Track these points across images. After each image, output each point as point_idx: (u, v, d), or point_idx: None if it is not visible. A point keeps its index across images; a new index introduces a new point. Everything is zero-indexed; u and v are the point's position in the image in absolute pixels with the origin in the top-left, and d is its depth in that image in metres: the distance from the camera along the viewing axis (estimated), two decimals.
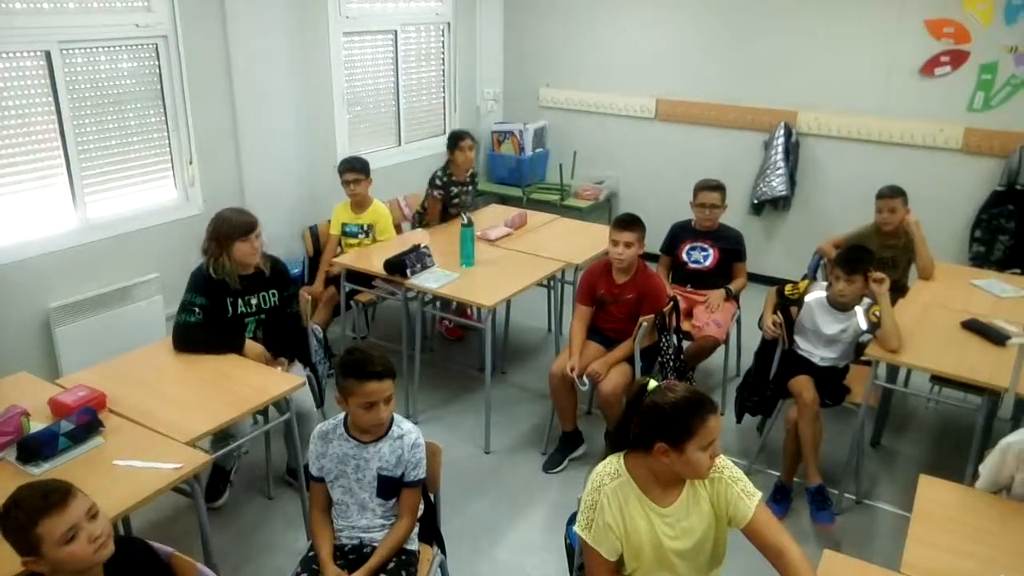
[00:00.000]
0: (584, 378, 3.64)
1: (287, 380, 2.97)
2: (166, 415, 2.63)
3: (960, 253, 5.19)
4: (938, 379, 3.51)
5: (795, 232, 5.64)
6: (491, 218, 4.84)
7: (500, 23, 6.58)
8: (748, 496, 2.07)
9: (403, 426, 2.47)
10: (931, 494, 2.41)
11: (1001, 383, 3.04)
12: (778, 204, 5.69)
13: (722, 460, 2.15)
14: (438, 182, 4.81)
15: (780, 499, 3.51)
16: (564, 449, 3.81)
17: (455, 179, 4.87)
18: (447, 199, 4.85)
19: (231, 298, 3.22)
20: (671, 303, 3.79)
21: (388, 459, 2.41)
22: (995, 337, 3.39)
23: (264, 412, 3.17)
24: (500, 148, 6.50)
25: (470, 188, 5.02)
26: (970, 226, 5.15)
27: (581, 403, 3.91)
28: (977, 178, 5.10)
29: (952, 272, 4.21)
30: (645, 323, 3.62)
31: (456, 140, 4.83)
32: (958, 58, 5.01)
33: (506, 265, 4.16)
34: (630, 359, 3.66)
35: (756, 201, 5.71)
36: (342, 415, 2.46)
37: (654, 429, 2.00)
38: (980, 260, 5.09)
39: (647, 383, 2.10)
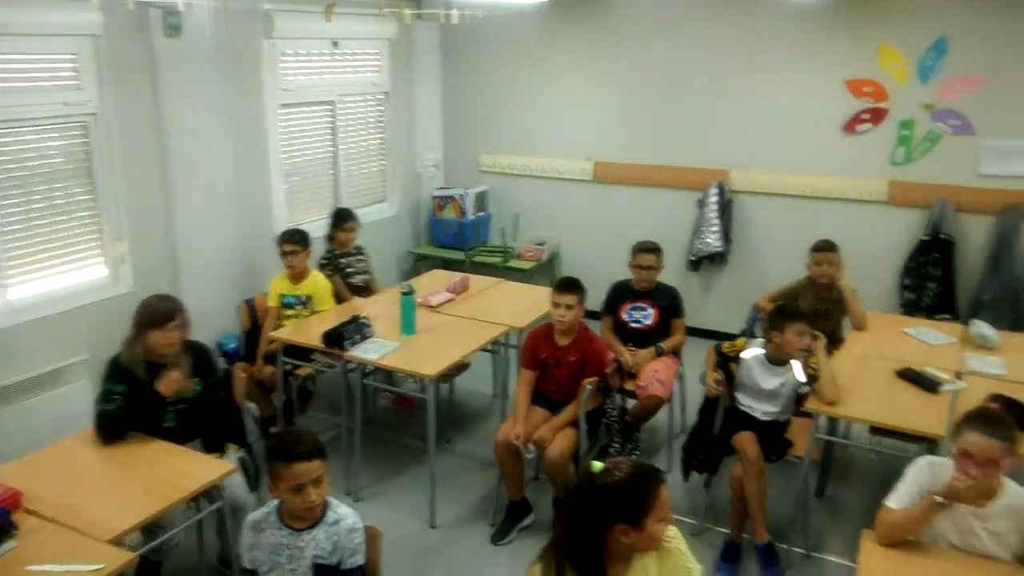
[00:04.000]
0: (530, 445, 3.60)
1: (218, 466, 2.86)
2: (89, 511, 2.50)
3: (892, 301, 5.34)
4: (877, 429, 3.57)
5: (732, 286, 5.75)
6: (433, 284, 4.82)
7: (438, 92, 6.68)
8: (692, 571, 2.06)
9: (339, 510, 2.39)
10: (875, 549, 2.42)
11: (937, 430, 3.09)
12: (714, 260, 5.81)
13: (671, 529, 2.13)
14: (324, 261, 4.88)
15: (730, 558, 3.48)
16: (512, 519, 3.73)
17: (340, 252, 4.92)
18: (342, 273, 4.88)
19: (148, 387, 3.06)
20: (614, 364, 3.80)
21: (324, 546, 2.32)
22: (928, 385, 3.46)
23: (196, 500, 3.04)
24: (442, 213, 6.53)
25: (362, 256, 5.06)
26: (900, 274, 5.32)
27: (529, 469, 3.85)
28: (903, 228, 5.29)
29: (885, 322, 4.32)
30: (589, 386, 3.61)
31: (339, 221, 4.93)
32: (878, 115, 5.24)
33: (449, 331, 4.13)
34: (576, 423, 3.64)
35: (693, 258, 5.82)
36: (275, 502, 2.37)
37: (609, 512, 1.97)
38: (911, 307, 5.24)
39: (592, 470, 2.05)
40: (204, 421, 3.20)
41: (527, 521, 3.76)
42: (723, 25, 5.53)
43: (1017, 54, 4.79)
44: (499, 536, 3.68)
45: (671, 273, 5.71)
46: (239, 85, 4.89)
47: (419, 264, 6.51)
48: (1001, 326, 4.90)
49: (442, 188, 6.64)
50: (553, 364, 3.74)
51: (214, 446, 3.18)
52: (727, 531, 3.57)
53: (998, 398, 3.13)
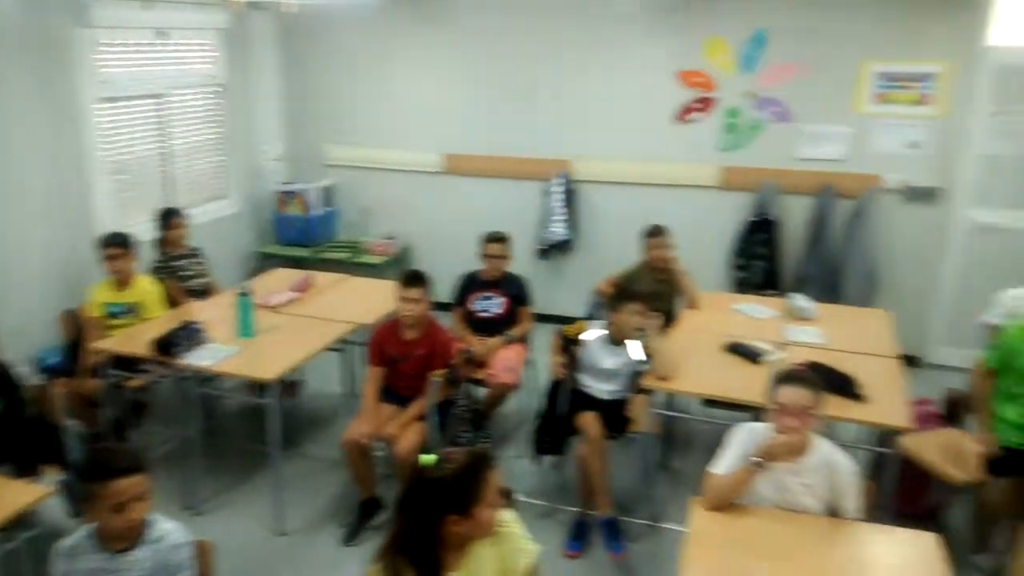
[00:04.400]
0: (379, 443, 3.56)
1: (30, 491, 2.63)
2: None
3: (725, 279, 5.66)
4: (709, 401, 3.77)
5: (580, 272, 5.89)
6: (275, 283, 4.65)
7: (279, 83, 6.45)
8: (528, 553, 2.10)
9: (162, 527, 2.25)
10: (703, 515, 2.55)
11: (761, 399, 3.29)
12: (562, 247, 5.95)
13: (505, 513, 2.15)
14: (158, 265, 4.63)
15: (579, 535, 3.59)
16: (363, 518, 3.67)
17: (174, 254, 4.70)
18: (178, 277, 4.63)
19: None
20: (463, 355, 3.82)
21: (146, 567, 2.18)
22: (753, 356, 3.69)
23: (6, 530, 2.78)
24: (286, 209, 6.31)
25: (199, 258, 4.84)
26: (731, 254, 5.64)
27: (381, 467, 3.80)
28: (733, 211, 5.62)
29: (716, 299, 4.57)
30: (437, 379, 3.60)
31: (165, 220, 4.71)
32: (707, 104, 5.53)
33: (291, 332, 4.00)
34: (425, 416, 3.62)
35: (542, 246, 5.94)
36: (91, 525, 2.21)
37: (440, 504, 1.96)
38: (742, 285, 5.58)
39: (422, 463, 2.05)
40: (11, 443, 2.94)
41: (378, 519, 3.71)
42: (564, 19, 5.65)
43: (825, 45, 5.18)
44: (350, 536, 3.61)
45: (522, 262, 5.79)
46: (50, 77, 4.51)
47: (266, 263, 6.26)
48: (821, 298, 5.31)
49: (286, 183, 6.41)
50: (401, 359, 3.71)
51: (26, 469, 2.93)
52: (577, 509, 3.67)
53: (813, 365, 3.40)
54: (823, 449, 2.60)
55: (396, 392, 3.76)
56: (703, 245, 5.59)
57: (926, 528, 2.51)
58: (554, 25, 5.69)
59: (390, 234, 6.37)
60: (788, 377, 2.62)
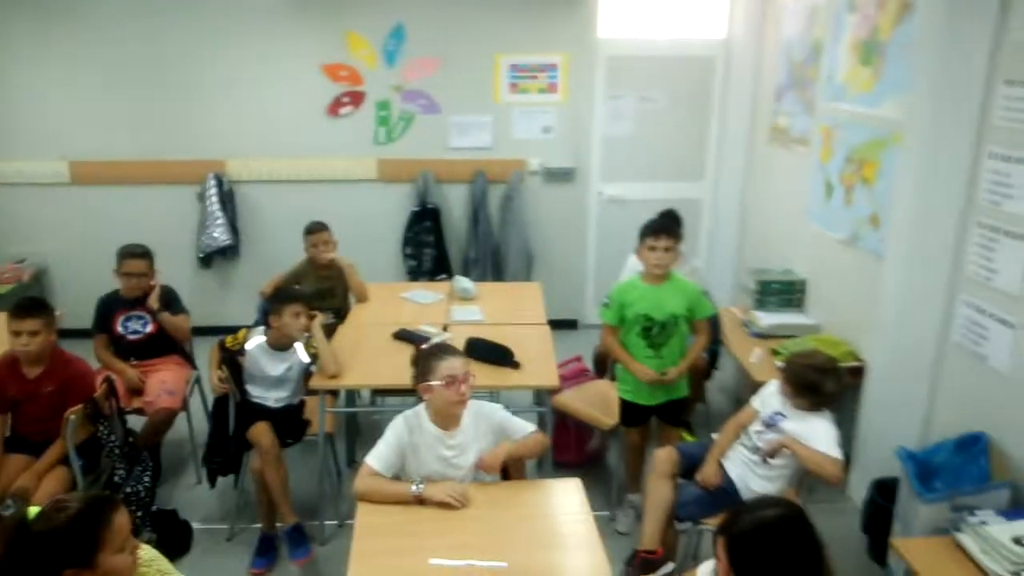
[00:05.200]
0: (9, 501, 3.05)
1: None
2: None
3: (399, 270, 5.77)
4: (379, 391, 3.81)
5: (248, 278, 5.61)
6: None
7: None
8: None
9: None
10: (366, 506, 2.55)
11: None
12: (226, 253, 5.62)
13: (147, 552, 1.96)
14: None
15: (263, 551, 3.43)
16: None
17: None
18: None
19: None
20: (105, 385, 3.41)
21: None
22: (419, 340, 3.77)
23: None
24: None
25: None
26: (401, 244, 5.76)
27: None
28: (397, 202, 5.73)
29: (384, 290, 4.61)
30: (74, 417, 3.18)
31: None
32: (357, 98, 5.55)
33: None
34: (67, 461, 3.19)
35: (202, 254, 5.55)
36: None
37: (53, 560, 1.71)
38: (414, 273, 5.73)
39: (22, 517, 1.78)
40: None
41: None
42: (197, 13, 5.30)
43: (463, 38, 5.47)
44: None
45: (181, 273, 5.40)
46: None
47: None
48: (487, 278, 5.68)
49: None
50: (25, 400, 3.22)
51: None
52: (261, 525, 3.51)
53: (472, 340, 3.59)
54: (471, 408, 2.70)
55: (26, 439, 3.26)
56: (372, 238, 5.64)
57: (591, 472, 2.74)
58: (190, 16, 5.32)
59: (19, 256, 5.52)
60: (441, 350, 2.69)
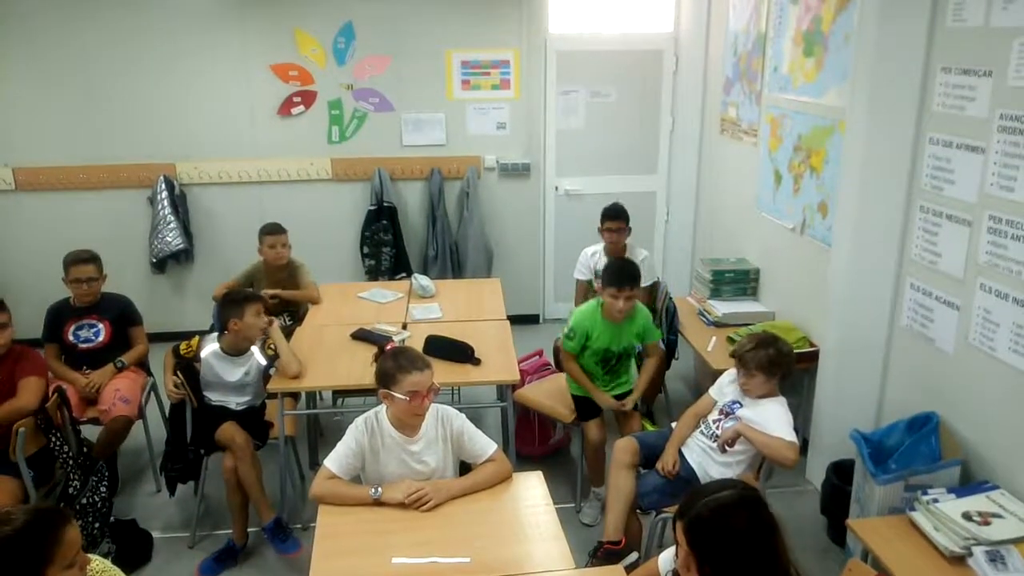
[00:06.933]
0: None
1: None
2: None
3: (357, 269, 5.73)
4: (340, 391, 3.78)
5: (203, 282, 5.52)
6: None
7: None
8: None
9: None
10: (328, 508, 2.53)
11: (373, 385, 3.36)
12: (180, 257, 5.52)
13: (99, 563, 1.92)
14: None
15: (223, 558, 3.38)
16: None
17: None
18: None
19: None
20: (55, 396, 3.34)
21: None
22: (379, 340, 3.77)
23: None
24: None
25: None
26: (358, 244, 5.71)
27: None
28: (353, 201, 5.69)
29: (340, 290, 4.58)
30: (22, 429, 3.10)
31: None
32: (308, 98, 5.49)
33: None
34: (15, 472, 3.11)
35: (155, 259, 5.45)
36: None
37: (1, 573, 1.66)
38: (373, 272, 5.69)
39: None
40: None
41: None
42: (141, 15, 5.20)
43: (413, 36, 5.43)
44: None
45: (135, 279, 5.32)
46: None
47: None
48: (447, 276, 5.67)
49: None
50: None
51: None
52: (227, 532, 3.46)
53: (431, 339, 3.59)
54: (432, 410, 2.68)
55: None
56: (328, 238, 5.60)
57: (555, 464, 2.73)
58: (136, 19, 5.21)
59: None
60: (405, 360, 2.58)
